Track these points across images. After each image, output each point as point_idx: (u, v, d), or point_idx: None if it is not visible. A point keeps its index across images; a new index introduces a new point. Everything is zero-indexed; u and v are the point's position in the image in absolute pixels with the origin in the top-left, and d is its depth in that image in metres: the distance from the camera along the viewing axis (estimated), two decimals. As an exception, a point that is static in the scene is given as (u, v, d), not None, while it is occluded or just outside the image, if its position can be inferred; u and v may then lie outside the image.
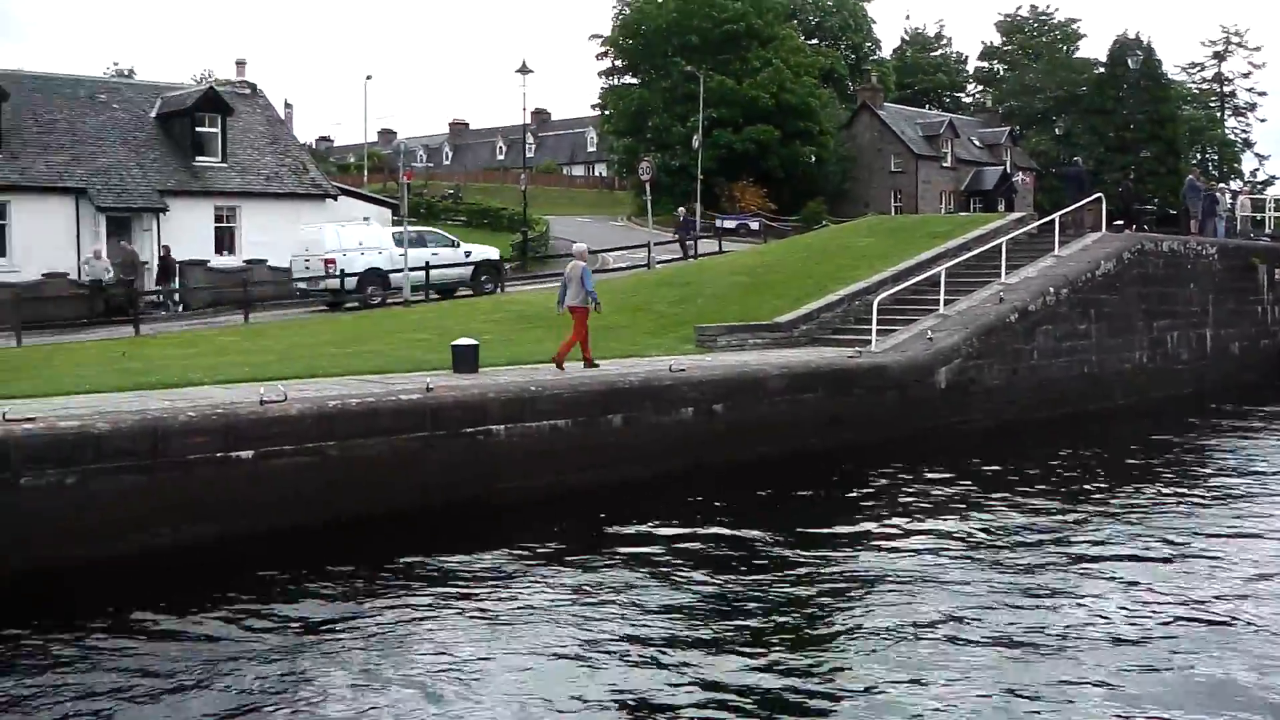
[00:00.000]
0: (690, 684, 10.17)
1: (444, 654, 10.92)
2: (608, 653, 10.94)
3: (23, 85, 43.20)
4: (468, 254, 39.13)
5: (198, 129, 44.88)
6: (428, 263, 36.82)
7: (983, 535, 15.49)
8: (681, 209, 54.39)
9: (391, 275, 36.24)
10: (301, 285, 37.61)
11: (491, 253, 40.25)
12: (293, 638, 11.42)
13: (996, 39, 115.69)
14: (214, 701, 9.87)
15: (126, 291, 36.04)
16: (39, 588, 12.55)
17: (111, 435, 13.51)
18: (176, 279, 39.01)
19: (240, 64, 51.23)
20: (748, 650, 10.99)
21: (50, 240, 39.23)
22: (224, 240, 43.86)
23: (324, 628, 11.66)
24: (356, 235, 37.41)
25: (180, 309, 37.39)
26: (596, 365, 20.01)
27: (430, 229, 42.83)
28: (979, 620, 11.83)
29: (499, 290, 37.91)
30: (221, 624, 11.77)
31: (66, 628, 11.54)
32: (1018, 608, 12.28)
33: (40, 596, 12.46)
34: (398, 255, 36.21)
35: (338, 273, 35.86)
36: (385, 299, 35.68)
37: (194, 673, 10.47)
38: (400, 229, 37.44)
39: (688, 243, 48.47)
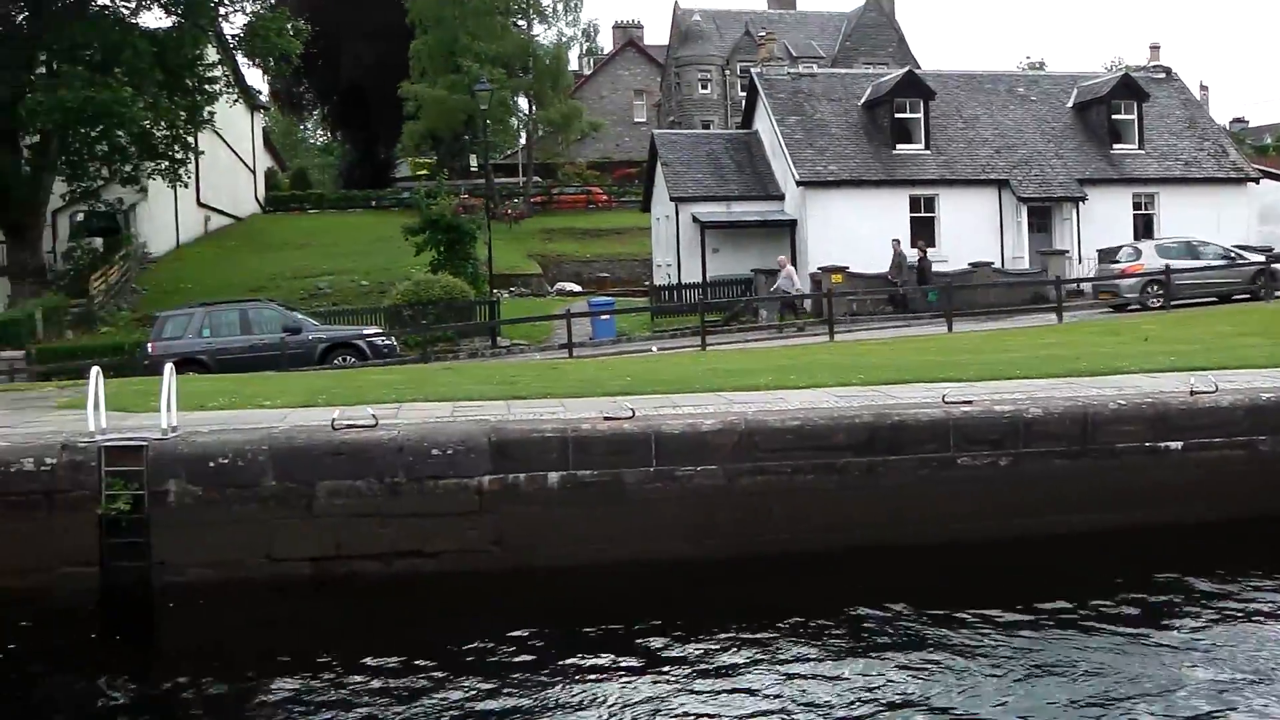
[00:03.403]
0: None
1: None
2: None
3: (947, 84, 46.07)
4: None
5: (1114, 116, 44.96)
6: None
7: None
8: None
9: None
10: None
11: None
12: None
13: None
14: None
15: (901, 290, 37.96)
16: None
17: (1043, 420, 14.05)
18: (930, 281, 38.54)
19: (1154, 48, 50.32)
20: None
21: (975, 230, 41.29)
22: (1141, 227, 43.39)
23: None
24: None
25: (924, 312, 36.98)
26: None
27: None
28: None
29: None
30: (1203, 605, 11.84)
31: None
32: None
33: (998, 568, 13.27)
34: None
35: None
36: None
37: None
38: None
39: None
